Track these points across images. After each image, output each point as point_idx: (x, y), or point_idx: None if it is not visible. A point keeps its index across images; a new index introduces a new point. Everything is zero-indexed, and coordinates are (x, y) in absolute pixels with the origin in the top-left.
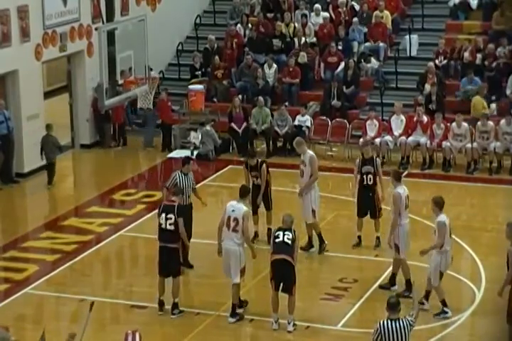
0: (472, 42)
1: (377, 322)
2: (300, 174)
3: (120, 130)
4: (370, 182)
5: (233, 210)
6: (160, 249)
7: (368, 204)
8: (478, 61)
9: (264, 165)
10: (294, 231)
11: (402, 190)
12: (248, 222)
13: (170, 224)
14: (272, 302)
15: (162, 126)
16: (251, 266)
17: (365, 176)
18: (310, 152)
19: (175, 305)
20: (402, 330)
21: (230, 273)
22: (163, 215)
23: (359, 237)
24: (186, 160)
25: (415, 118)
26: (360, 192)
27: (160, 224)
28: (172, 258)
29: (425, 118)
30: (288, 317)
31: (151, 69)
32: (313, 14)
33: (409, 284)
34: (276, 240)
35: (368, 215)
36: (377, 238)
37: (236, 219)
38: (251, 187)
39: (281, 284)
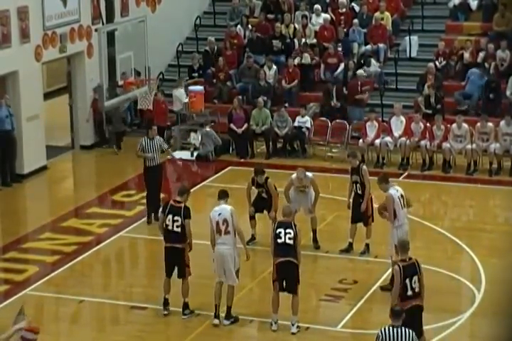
0: (472, 43)
1: (379, 329)
2: (302, 191)
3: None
4: (359, 191)
5: (219, 214)
6: (166, 249)
7: (359, 211)
8: (478, 62)
9: (269, 180)
10: (295, 226)
11: (395, 190)
12: (236, 218)
13: (177, 227)
14: (272, 302)
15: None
16: (251, 268)
17: (354, 185)
18: (309, 176)
19: (185, 306)
20: (405, 338)
21: (224, 276)
22: (170, 217)
23: (350, 244)
24: (148, 127)
25: (412, 125)
26: (353, 199)
27: (166, 225)
28: (179, 259)
29: (422, 125)
30: (292, 319)
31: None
32: (313, 15)
33: None
34: (278, 241)
35: (361, 222)
36: (366, 245)
37: (226, 221)
38: (255, 198)
39: (285, 284)
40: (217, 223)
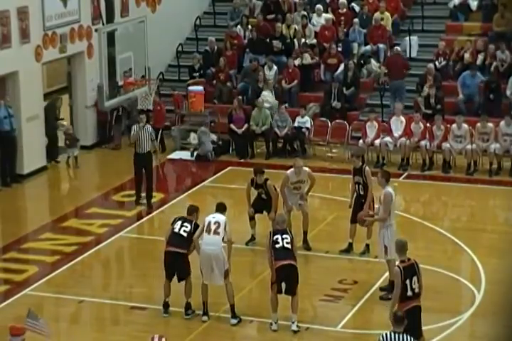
0: (472, 43)
1: (380, 334)
2: (296, 188)
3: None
4: (362, 192)
5: (214, 217)
6: (169, 253)
7: (359, 211)
8: (478, 62)
9: (268, 182)
10: (290, 232)
11: (391, 189)
12: (229, 228)
13: (184, 231)
14: (271, 302)
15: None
16: (251, 268)
17: (356, 186)
18: (305, 169)
19: (188, 305)
20: None
21: (211, 277)
22: (180, 222)
23: (350, 244)
24: (141, 114)
25: (412, 125)
26: (354, 199)
27: (173, 228)
28: (182, 263)
29: (422, 125)
30: (292, 317)
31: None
32: (314, 15)
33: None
34: (277, 246)
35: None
36: (367, 245)
37: (218, 222)
38: (255, 199)
39: (285, 286)
40: (209, 223)
